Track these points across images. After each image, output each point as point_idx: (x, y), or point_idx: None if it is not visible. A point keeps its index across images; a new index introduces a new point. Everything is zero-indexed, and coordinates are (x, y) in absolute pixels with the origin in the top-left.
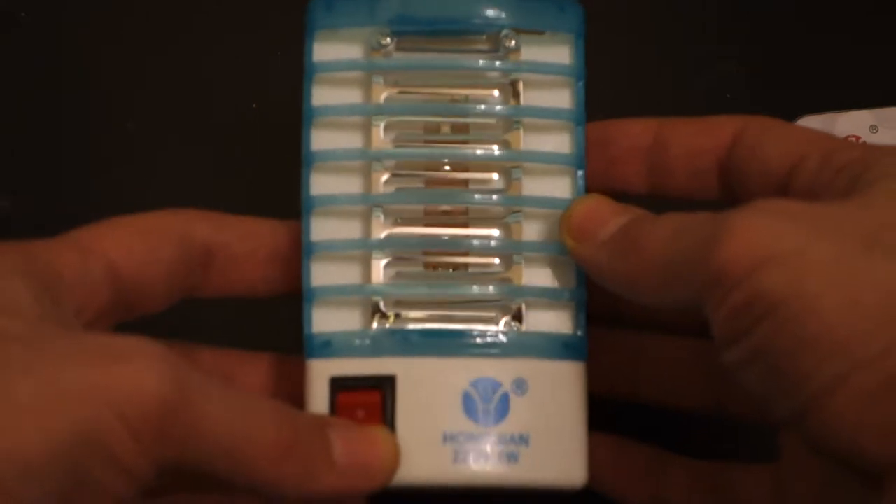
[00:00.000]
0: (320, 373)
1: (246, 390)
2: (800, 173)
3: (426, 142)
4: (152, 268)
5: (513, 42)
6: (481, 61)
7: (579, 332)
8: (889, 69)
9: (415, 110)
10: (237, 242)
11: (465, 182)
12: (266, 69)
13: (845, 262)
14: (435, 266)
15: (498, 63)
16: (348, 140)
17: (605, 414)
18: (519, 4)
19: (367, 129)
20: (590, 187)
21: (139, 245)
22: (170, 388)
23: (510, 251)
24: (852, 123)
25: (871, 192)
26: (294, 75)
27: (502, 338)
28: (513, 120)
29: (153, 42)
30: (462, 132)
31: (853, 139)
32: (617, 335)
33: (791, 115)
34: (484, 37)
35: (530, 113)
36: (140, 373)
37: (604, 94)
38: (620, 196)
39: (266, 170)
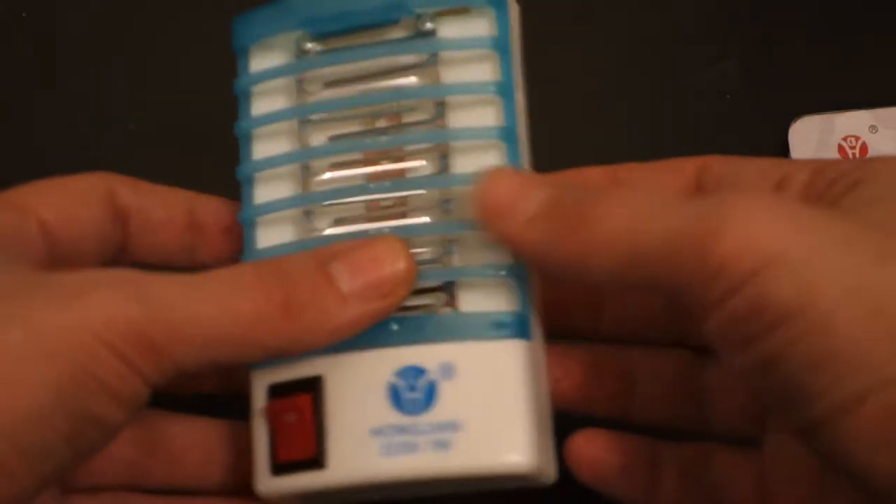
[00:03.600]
0: (261, 381)
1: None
2: (788, 187)
3: (359, 136)
4: (81, 225)
5: (427, 24)
6: (394, 45)
7: (516, 310)
8: (889, 69)
9: (335, 105)
10: (155, 208)
11: (402, 173)
12: None
13: (858, 273)
14: None
15: (412, 44)
16: (286, 148)
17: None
18: None
19: (303, 134)
20: None
21: (67, 203)
22: (139, 301)
23: (439, 232)
24: (852, 123)
25: (879, 206)
26: None
27: (425, 323)
28: (439, 104)
29: (153, 42)
30: (397, 127)
31: (853, 139)
32: (600, 352)
33: (791, 115)
34: (403, 26)
35: (449, 91)
36: (110, 297)
37: (603, 95)
38: None
39: None
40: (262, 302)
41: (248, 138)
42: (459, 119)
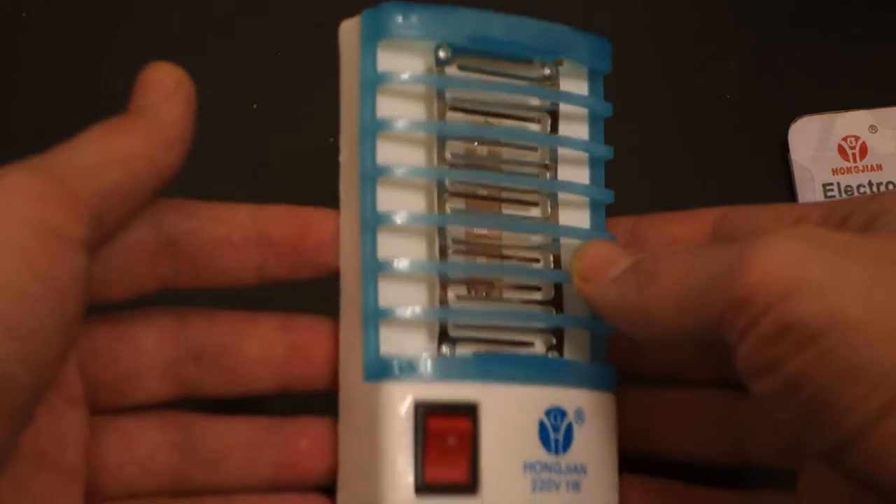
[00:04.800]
0: (400, 395)
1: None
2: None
3: (469, 166)
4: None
5: (553, 72)
6: (527, 88)
7: (609, 364)
8: (889, 69)
9: (488, 133)
10: (207, 228)
11: (500, 207)
12: (266, 69)
13: (882, 289)
14: (486, 289)
15: (543, 91)
16: (410, 157)
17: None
18: (573, 37)
19: (428, 148)
20: None
21: None
22: (40, 172)
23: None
24: (852, 123)
25: None
26: (294, 75)
27: (568, 367)
28: (549, 152)
29: (154, 42)
30: (496, 159)
31: (853, 139)
32: (630, 393)
33: (790, 115)
34: (531, 64)
35: (576, 145)
36: (17, 183)
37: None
38: None
39: (265, 170)
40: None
41: (376, 136)
42: (566, 173)
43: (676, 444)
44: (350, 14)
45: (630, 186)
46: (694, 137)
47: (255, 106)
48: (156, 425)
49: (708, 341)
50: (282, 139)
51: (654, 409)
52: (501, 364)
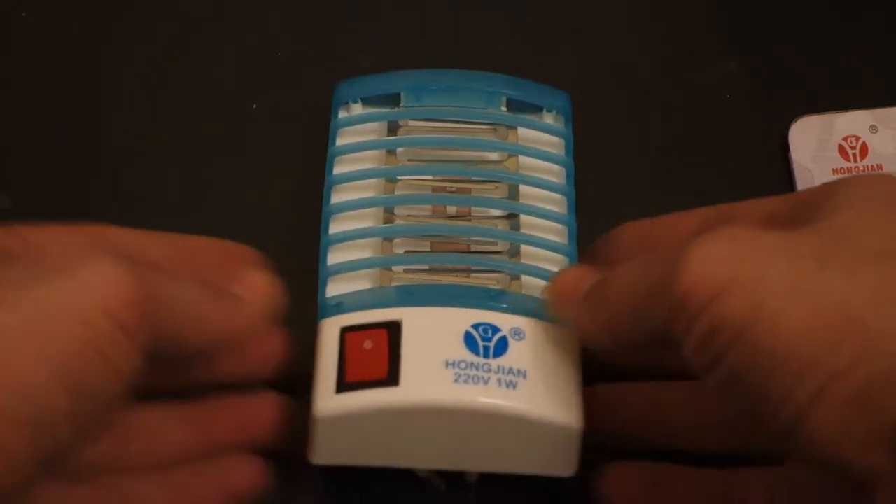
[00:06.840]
0: (332, 326)
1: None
2: (773, 222)
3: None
4: None
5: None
6: (480, 112)
7: None
8: (889, 69)
9: (427, 142)
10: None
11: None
12: (266, 69)
13: (802, 281)
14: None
15: (499, 116)
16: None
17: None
18: (514, 83)
19: (378, 164)
20: None
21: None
22: (138, 278)
23: (512, 269)
24: (852, 123)
25: (829, 219)
26: (294, 75)
27: (502, 295)
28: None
29: (153, 42)
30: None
31: (853, 139)
32: (627, 387)
33: (791, 115)
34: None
35: (529, 181)
36: (112, 272)
37: (604, 95)
38: None
39: (265, 169)
40: (200, 288)
41: (334, 161)
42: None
43: (678, 433)
44: (347, 18)
45: (630, 186)
46: (694, 137)
47: (255, 106)
48: None
49: (667, 346)
50: (281, 139)
51: (657, 397)
52: (423, 291)
